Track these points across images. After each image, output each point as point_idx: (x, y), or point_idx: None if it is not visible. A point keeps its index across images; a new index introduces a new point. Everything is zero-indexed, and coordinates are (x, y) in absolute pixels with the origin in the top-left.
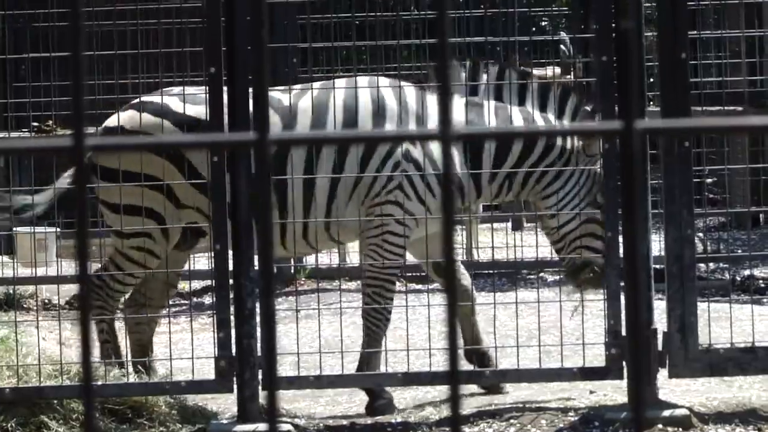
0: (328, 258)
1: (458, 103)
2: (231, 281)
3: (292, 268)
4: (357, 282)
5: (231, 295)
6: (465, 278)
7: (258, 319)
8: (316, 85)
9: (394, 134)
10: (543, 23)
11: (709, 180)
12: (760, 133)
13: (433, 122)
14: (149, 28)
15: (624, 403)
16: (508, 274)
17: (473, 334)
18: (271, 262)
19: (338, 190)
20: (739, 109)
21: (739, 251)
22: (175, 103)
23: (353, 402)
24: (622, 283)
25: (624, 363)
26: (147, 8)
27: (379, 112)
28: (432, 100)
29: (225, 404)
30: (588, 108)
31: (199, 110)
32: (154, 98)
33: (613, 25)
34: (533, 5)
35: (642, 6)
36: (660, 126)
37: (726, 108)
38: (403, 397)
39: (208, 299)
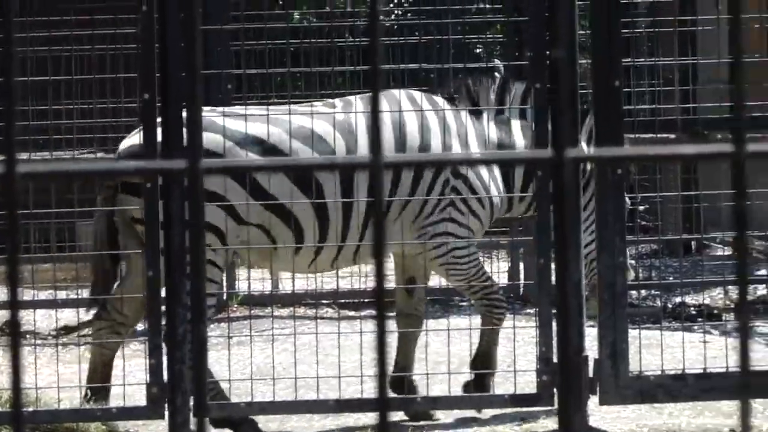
0: (260, 285)
1: (488, 122)
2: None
3: (225, 294)
4: (289, 309)
5: (163, 322)
6: (421, 305)
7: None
8: (357, 100)
9: (325, 161)
10: (477, 50)
11: (641, 207)
12: (691, 161)
13: (471, 138)
14: (83, 54)
15: (555, 430)
16: (441, 301)
17: (406, 362)
18: (203, 288)
19: (391, 209)
20: (672, 136)
21: (671, 278)
22: (230, 122)
23: (284, 427)
24: (554, 311)
25: (555, 390)
26: (81, 34)
27: (424, 129)
28: (467, 117)
29: (156, 431)
30: None
31: (261, 129)
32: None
33: (547, 52)
34: (467, 32)
35: (576, 34)
36: (591, 155)
37: (659, 135)
38: (335, 423)
39: (140, 325)
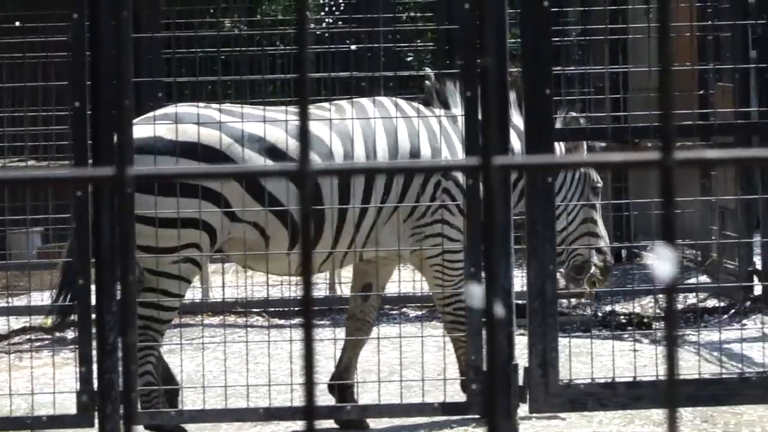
0: (190, 293)
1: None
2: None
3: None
4: (220, 317)
5: (93, 330)
6: (373, 312)
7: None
8: (347, 104)
9: (254, 169)
10: (408, 58)
11: None
12: (620, 169)
13: (456, 141)
14: (14, 62)
15: None
16: None
17: (348, 367)
18: (132, 296)
19: (382, 212)
20: (603, 144)
21: None
22: (227, 119)
23: None
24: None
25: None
26: (12, 42)
27: (416, 134)
28: (446, 122)
29: None
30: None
31: (260, 127)
32: (206, 112)
33: (477, 60)
34: (398, 41)
35: (506, 41)
36: (518, 162)
37: (589, 143)
38: None
39: (70, 334)
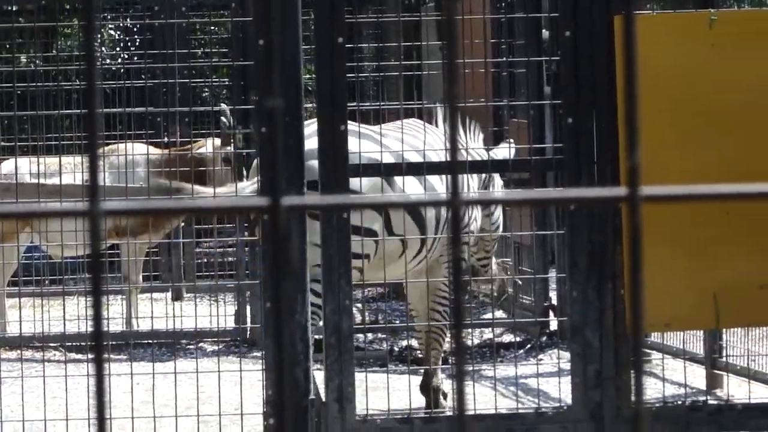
0: None
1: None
2: None
3: None
4: (17, 351)
5: None
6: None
7: None
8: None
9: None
10: (204, 94)
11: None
12: (412, 207)
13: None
14: None
15: None
16: (168, 344)
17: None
18: None
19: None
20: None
21: (398, 322)
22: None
23: None
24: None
25: None
26: None
27: None
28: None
29: None
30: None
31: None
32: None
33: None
34: (194, 76)
35: (301, 78)
36: (308, 203)
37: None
38: None
39: None
